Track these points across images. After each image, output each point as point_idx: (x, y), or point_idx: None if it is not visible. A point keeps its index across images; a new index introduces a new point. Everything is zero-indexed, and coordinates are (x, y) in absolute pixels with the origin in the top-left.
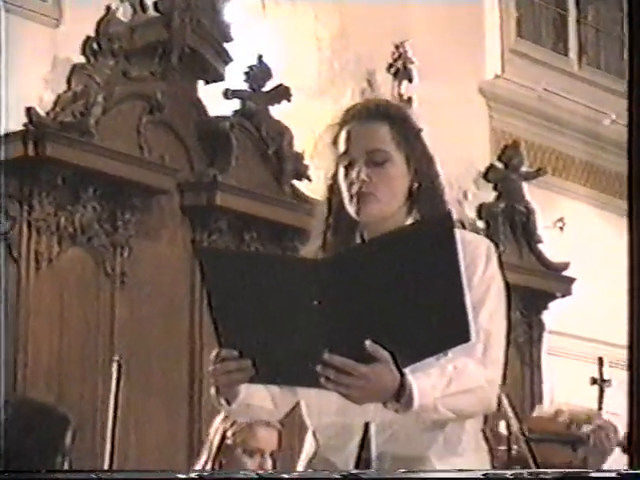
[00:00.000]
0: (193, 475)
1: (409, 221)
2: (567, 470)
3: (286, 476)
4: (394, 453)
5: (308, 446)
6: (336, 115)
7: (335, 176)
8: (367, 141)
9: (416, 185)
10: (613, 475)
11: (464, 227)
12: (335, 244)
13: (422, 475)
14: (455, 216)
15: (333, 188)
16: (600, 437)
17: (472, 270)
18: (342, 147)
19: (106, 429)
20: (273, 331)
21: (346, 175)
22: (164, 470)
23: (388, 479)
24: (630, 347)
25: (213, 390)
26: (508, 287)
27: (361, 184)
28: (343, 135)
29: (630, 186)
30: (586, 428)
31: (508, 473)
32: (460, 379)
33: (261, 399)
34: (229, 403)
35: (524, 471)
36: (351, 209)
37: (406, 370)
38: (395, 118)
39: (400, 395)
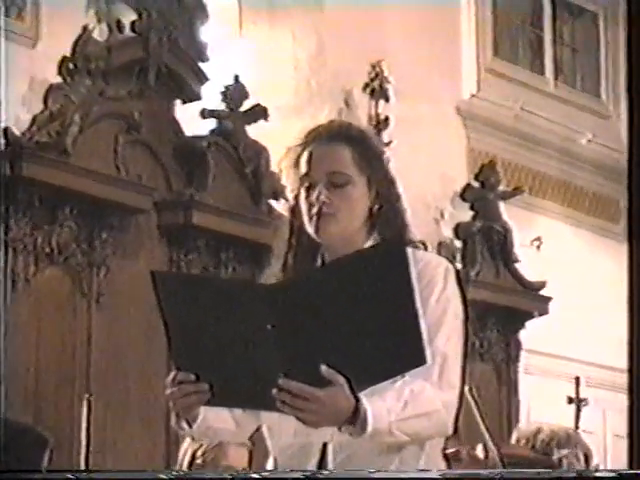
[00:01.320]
0: (169, 476)
1: (369, 242)
2: (566, 470)
3: (256, 476)
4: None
5: (268, 468)
6: (298, 136)
7: (297, 197)
8: (328, 163)
9: (377, 207)
10: (613, 475)
11: (425, 248)
12: (295, 266)
13: (383, 475)
14: (417, 238)
15: (295, 210)
16: (573, 462)
17: (429, 291)
18: (303, 169)
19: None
20: (229, 354)
21: (307, 196)
22: (144, 470)
23: (350, 479)
24: (630, 346)
25: (173, 414)
26: (466, 308)
27: (321, 205)
28: (305, 157)
29: (630, 209)
30: (561, 452)
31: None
32: (416, 402)
33: (222, 421)
34: (190, 425)
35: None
36: (310, 229)
37: (361, 393)
38: (357, 140)
39: (355, 419)
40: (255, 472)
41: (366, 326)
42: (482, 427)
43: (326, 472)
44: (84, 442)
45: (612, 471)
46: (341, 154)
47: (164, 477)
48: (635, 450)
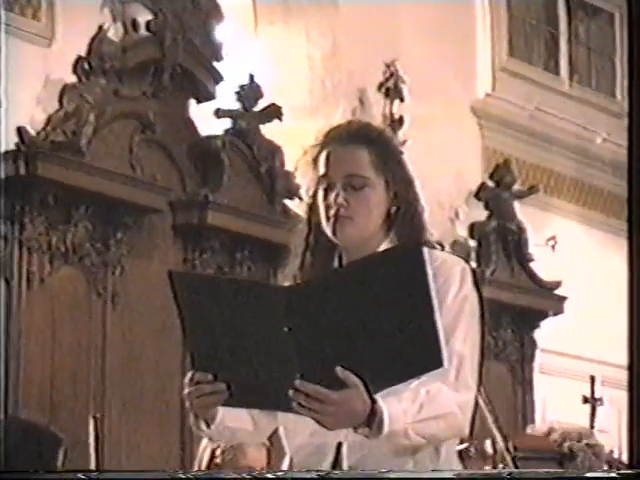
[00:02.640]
0: (184, 476)
1: (386, 243)
2: (564, 470)
3: (271, 476)
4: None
5: (285, 468)
6: (317, 136)
7: (315, 196)
8: (346, 165)
9: (394, 209)
10: (613, 475)
11: (442, 248)
12: (313, 265)
13: (396, 475)
14: (434, 238)
15: (313, 207)
16: (588, 455)
17: (445, 291)
18: (322, 169)
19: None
20: (246, 355)
21: (325, 197)
22: (163, 470)
23: (363, 479)
24: (630, 347)
25: (192, 414)
26: (483, 307)
27: (338, 207)
28: (323, 157)
29: (630, 207)
30: (575, 446)
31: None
32: (432, 404)
33: (240, 421)
34: (208, 426)
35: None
36: (328, 230)
37: (377, 395)
38: (375, 142)
39: (371, 421)
40: (270, 472)
41: (383, 328)
42: (491, 423)
43: (340, 472)
44: (94, 460)
45: (612, 471)
46: (359, 156)
47: (179, 477)
48: (635, 450)
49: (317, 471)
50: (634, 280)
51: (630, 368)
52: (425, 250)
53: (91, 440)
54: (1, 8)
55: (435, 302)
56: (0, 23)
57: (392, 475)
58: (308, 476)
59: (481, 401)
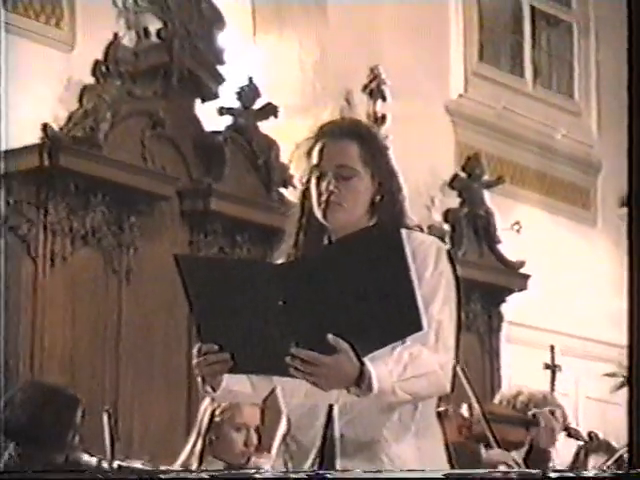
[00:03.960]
0: (204, 475)
1: None
2: (563, 470)
3: (258, 476)
4: (355, 434)
5: (282, 427)
6: (312, 130)
7: (308, 182)
8: (337, 157)
9: (379, 197)
10: (613, 475)
11: (421, 231)
12: (305, 244)
13: (385, 475)
14: (413, 223)
15: (305, 193)
16: (549, 419)
17: (424, 267)
18: (315, 160)
19: (113, 409)
20: (247, 327)
21: (317, 185)
22: (178, 470)
23: (353, 479)
24: (630, 347)
25: (199, 380)
26: (458, 281)
27: (329, 194)
28: (317, 149)
29: (630, 207)
30: (537, 411)
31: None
32: (415, 365)
33: (241, 385)
34: (214, 390)
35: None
36: (319, 214)
37: (365, 358)
38: (364, 137)
39: (361, 381)
40: (270, 472)
41: (367, 298)
42: (468, 389)
43: (340, 472)
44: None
45: (613, 471)
46: (350, 150)
47: (196, 477)
48: (635, 450)
49: (318, 471)
50: (634, 281)
51: (630, 369)
52: (405, 231)
53: (106, 434)
54: (1, 8)
55: (413, 273)
56: (0, 23)
57: (387, 475)
58: (308, 476)
59: (459, 370)
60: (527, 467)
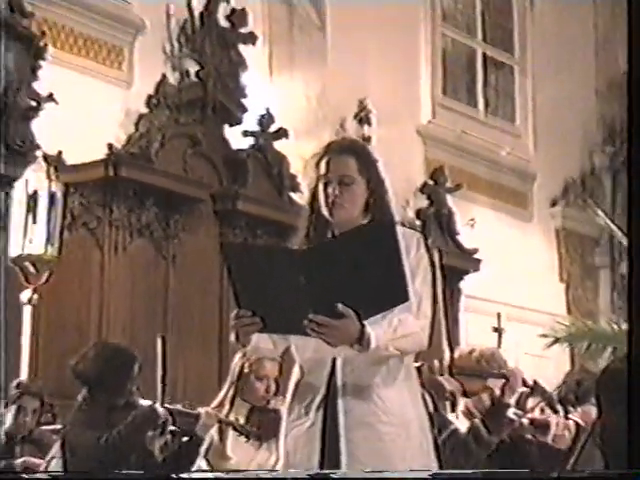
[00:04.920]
0: (192, 476)
1: (364, 222)
2: (563, 470)
3: (263, 476)
4: (354, 380)
5: (295, 374)
6: (319, 147)
7: (316, 187)
8: (340, 168)
9: (372, 200)
10: (614, 475)
11: (404, 225)
12: (315, 236)
13: (383, 475)
14: (398, 218)
15: (314, 195)
16: (515, 375)
17: (407, 252)
18: (322, 170)
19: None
20: (274, 297)
21: (324, 190)
22: (196, 470)
23: (355, 479)
24: (629, 344)
25: (233, 338)
26: (433, 265)
27: (334, 198)
28: (324, 162)
29: (630, 207)
30: (494, 368)
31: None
32: (402, 327)
33: (265, 343)
34: (244, 346)
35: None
36: (326, 213)
37: (365, 322)
38: (360, 153)
39: (361, 339)
40: (270, 472)
41: (367, 276)
42: (444, 345)
43: (339, 472)
44: (159, 377)
45: (612, 472)
46: (350, 163)
47: (197, 477)
48: (635, 450)
49: (307, 471)
50: (633, 284)
51: (629, 371)
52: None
53: (159, 355)
54: (1, 11)
55: (404, 259)
56: (0, 23)
57: (379, 475)
58: (308, 476)
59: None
60: (485, 417)
